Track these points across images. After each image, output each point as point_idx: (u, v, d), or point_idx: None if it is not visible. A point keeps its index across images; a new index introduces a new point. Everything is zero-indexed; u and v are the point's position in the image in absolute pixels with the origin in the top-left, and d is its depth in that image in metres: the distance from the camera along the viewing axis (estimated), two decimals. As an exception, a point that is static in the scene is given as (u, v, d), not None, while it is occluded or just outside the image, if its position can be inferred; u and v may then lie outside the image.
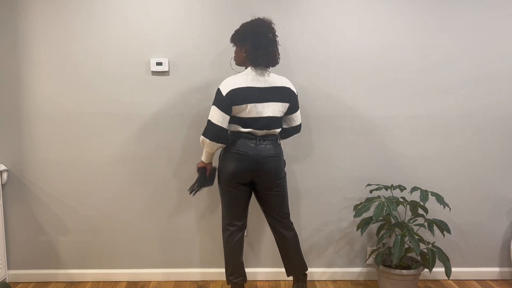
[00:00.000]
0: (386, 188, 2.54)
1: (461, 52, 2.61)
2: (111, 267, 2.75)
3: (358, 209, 2.42)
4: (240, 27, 2.22)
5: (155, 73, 2.59)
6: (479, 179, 2.71)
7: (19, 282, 2.73)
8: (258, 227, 2.73)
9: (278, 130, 2.26)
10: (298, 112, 2.33)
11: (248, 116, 2.18)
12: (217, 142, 2.18)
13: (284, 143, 2.65)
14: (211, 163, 2.34)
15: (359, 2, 2.56)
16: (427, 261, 2.40)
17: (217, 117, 2.15)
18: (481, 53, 2.61)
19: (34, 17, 2.53)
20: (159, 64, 2.56)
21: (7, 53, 2.55)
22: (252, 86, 2.16)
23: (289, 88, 2.24)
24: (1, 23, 2.52)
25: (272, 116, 2.21)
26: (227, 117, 2.16)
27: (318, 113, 2.64)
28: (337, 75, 2.61)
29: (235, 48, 2.40)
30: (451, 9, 2.57)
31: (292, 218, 2.59)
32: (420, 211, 2.77)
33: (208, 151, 2.24)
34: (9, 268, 2.73)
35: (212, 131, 2.16)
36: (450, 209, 2.48)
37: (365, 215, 2.65)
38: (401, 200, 2.57)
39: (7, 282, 2.70)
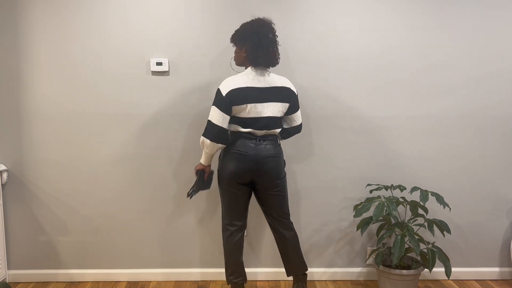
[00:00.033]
0: (386, 188, 2.54)
1: (461, 52, 2.61)
2: (111, 267, 2.75)
3: (358, 209, 2.42)
4: (240, 27, 2.22)
5: (155, 73, 2.59)
6: (479, 179, 2.71)
7: (19, 282, 2.73)
8: (258, 227, 2.73)
9: (278, 130, 2.26)
10: (299, 112, 2.33)
11: (248, 116, 2.18)
12: (217, 143, 2.18)
13: (284, 143, 2.65)
14: (209, 165, 2.34)
15: (359, 2, 2.56)
16: (427, 261, 2.40)
17: (217, 117, 2.15)
18: (481, 53, 2.61)
19: (34, 17, 2.53)
20: (159, 64, 2.56)
21: (7, 53, 2.55)
22: (252, 86, 2.16)
23: (289, 88, 2.24)
24: (1, 23, 2.52)
25: (272, 116, 2.21)
26: (227, 117, 2.16)
27: (318, 113, 2.64)
28: (337, 75, 2.61)
29: (235, 48, 2.40)
30: (451, 9, 2.57)
31: (292, 218, 2.59)
32: (420, 211, 2.77)
33: (208, 152, 2.23)
34: (9, 268, 2.73)
35: (212, 132, 2.16)
36: (450, 209, 2.48)
37: (365, 215, 2.65)
38: (401, 200, 2.57)
39: (7, 282, 2.70)
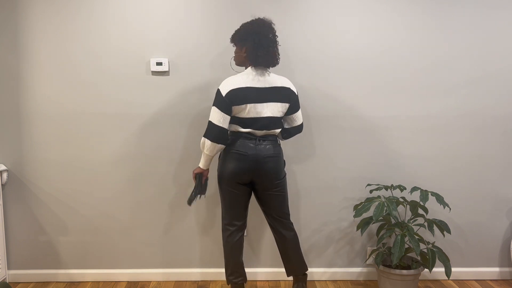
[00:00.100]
0: (386, 188, 2.54)
1: (461, 52, 2.61)
2: (111, 267, 2.75)
3: (358, 209, 2.42)
4: (240, 27, 2.22)
5: (155, 73, 2.59)
6: (479, 179, 2.71)
7: (19, 282, 2.73)
8: (258, 227, 2.73)
9: (278, 130, 2.26)
10: (299, 112, 2.33)
11: (247, 116, 2.18)
12: (218, 143, 2.17)
13: (284, 143, 2.65)
14: (208, 169, 2.32)
15: (359, 2, 2.56)
16: (427, 261, 2.40)
17: (218, 118, 2.15)
18: (481, 53, 2.61)
19: (34, 17, 2.53)
20: (159, 64, 2.56)
21: (7, 53, 2.55)
22: (252, 86, 2.16)
23: (289, 88, 2.24)
24: (1, 23, 2.52)
25: (271, 116, 2.21)
26: (228, 118, 2.16)
27: (318, 113, 2.64)
28: (337, 75, 2.61)
29: (235, 48, 2.40)
30: (451, 9, 2.57)
31: (292, 218, 2.59)
32: (420, 211, 2.77)
33: (208, 154, 2.22)
34: (9, 268, 2.73)
35: (213, 132, 2.16)
36: (450, 209, 2.48)
37: (365, 215, 2.65)
38: (401, 200, 2.57)
39: (7, 282, 2.70)
